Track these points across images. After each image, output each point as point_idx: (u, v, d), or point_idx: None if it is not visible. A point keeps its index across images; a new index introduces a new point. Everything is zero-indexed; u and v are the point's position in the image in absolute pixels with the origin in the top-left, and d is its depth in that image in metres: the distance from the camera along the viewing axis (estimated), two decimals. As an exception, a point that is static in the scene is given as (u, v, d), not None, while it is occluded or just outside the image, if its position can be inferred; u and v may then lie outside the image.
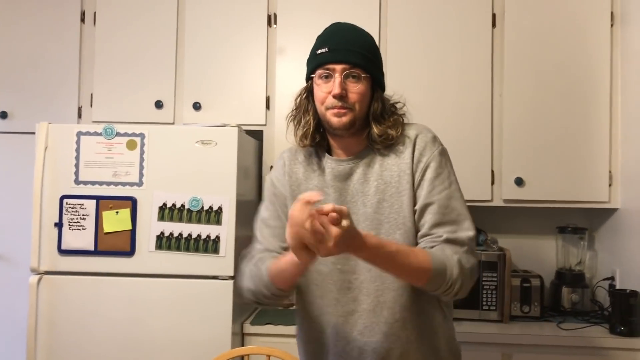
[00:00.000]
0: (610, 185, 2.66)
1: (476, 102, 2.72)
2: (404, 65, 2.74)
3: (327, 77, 1.53)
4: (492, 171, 2.71)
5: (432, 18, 2.76)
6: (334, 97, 1.51)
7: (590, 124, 2.68)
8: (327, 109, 1.53)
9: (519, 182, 2.68)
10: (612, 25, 2.68)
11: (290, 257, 1.37)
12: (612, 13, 2.68)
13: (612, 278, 2.70)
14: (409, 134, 1.57)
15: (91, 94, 2.87)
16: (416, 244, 1.51)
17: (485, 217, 2.92)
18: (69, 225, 2.35)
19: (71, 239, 2.36)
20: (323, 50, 1.53)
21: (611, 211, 2.73)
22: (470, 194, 2.67)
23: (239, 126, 2.44)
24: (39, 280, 2.35)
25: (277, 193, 1.65)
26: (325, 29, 1.59)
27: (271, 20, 2.82)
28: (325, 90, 1.53)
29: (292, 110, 1.63)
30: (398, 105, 1.62)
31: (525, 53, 2.71)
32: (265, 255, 1.58)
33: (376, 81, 1.57)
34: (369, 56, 1.55)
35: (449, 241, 1.46)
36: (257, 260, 1.57)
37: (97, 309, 2.36)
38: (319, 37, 1.59)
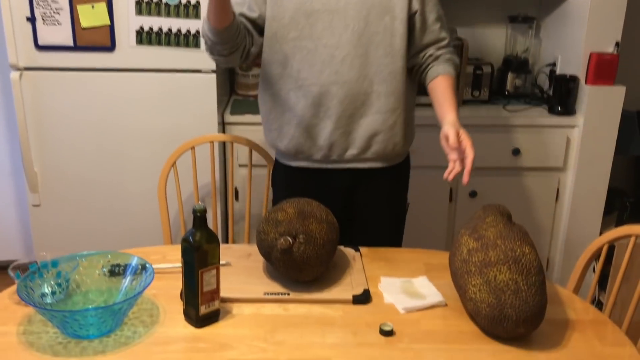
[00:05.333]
0: (562, -25, 2.81)
1: None
2: None
3: None
4: (456, -39, 2.78)
5: None
6: None
7: None
8: None
9: (480, -27, 2.78)
10: None
11: None
12: None
13: (554, 64, 2.98)
14: None
15: None
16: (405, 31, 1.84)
17: (445, 7, 3.04)
18: (43, 19, 2.31)
19: (47, 34, 2.33)
20: None
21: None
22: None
23: None
24: (20, 76, 2.36)
25: None
26: None
27: None
28: None
29: None
30: None
31: None
32: None
33: None
34: None
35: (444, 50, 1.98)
36: None
37: (81, 103, 2.44)
38: None
